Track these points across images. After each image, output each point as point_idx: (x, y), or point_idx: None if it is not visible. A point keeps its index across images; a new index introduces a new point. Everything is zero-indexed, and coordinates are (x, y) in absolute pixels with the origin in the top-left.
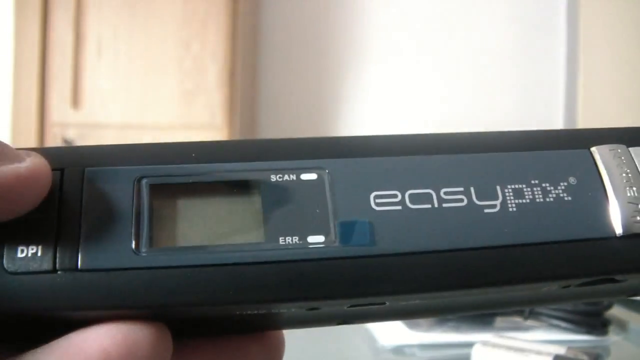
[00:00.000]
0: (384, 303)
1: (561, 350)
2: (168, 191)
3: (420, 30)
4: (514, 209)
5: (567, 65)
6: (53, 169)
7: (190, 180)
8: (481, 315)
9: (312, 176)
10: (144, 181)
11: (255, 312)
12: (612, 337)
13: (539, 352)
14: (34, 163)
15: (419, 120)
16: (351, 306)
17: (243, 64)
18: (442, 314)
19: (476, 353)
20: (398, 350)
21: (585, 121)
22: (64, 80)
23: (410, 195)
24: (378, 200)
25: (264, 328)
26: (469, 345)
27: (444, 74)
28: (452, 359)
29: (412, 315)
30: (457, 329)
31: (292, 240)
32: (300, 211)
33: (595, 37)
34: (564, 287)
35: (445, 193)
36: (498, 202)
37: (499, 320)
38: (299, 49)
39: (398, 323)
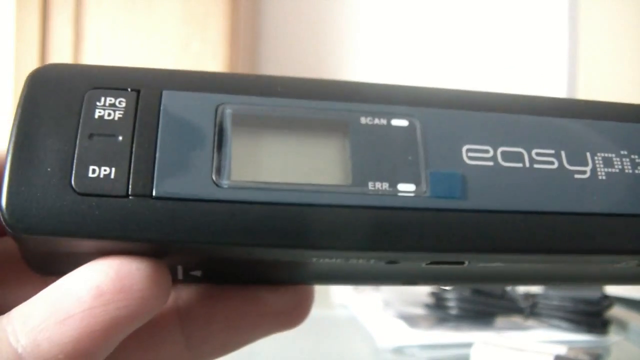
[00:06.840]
0: (463, 263)
1: (561, 350)
2: (252, 123)
3: (421, 32)
4: (604, 177)
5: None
6: (129, 90)
7: (276, 114)
8: (481, 315)
9: (403, 123)
10: (227, 110)
11: (332, 259)
12: (613, 337)
13: (539, 352)
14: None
15: None
16: (430, 263)
17: (243, 64)
18: (513, 283)
19: (476, 353)
20: (398, 350)
21: None
22: None
23: (503, 153)
24: (470, 154)
25: (329, 280)
26: (469, 345)
27: (451, 62)
28: (452, 359)
29: (482, 282)
30: (457, 329)
31: (381, 186)
32: (390, 157)
33: (595, 33)
34: None
35: (537, 154)
36: (588, 169)
37: (499, 320)
38: (300, 49)
39: (398, 323)
